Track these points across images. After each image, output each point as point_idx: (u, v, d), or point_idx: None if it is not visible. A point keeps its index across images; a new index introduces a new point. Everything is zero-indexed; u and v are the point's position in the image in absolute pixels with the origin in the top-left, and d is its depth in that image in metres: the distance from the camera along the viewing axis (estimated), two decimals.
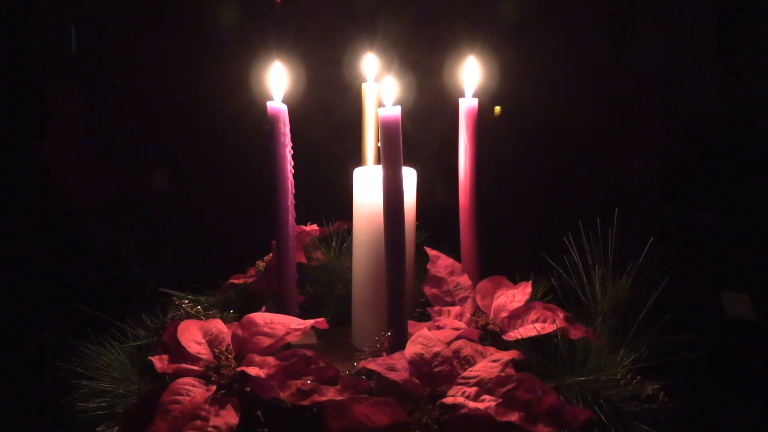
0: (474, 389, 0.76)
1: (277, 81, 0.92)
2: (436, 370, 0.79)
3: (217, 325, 0.87)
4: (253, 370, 0.78)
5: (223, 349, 0.83)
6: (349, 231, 1.04)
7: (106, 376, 0.90)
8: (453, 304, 0.99)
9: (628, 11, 1.82)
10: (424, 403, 0.76)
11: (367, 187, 0.97)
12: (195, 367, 0.81)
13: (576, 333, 0.90)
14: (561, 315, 0.93)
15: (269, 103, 0.90)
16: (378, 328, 0.87)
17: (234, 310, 1.02)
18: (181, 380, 0.78)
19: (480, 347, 0.85)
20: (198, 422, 0.74)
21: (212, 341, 0.85)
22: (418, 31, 1.71)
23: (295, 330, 0.84)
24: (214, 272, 1.13)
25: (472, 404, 0.75)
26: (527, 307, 0.96)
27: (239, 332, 0.85)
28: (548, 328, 0.91)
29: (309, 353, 0.79)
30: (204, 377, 0.80)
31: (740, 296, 1.68)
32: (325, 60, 1.64)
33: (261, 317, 0.86)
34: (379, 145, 0.85)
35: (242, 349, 0.83)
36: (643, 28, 1.82)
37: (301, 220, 1.04)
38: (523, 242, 1.61)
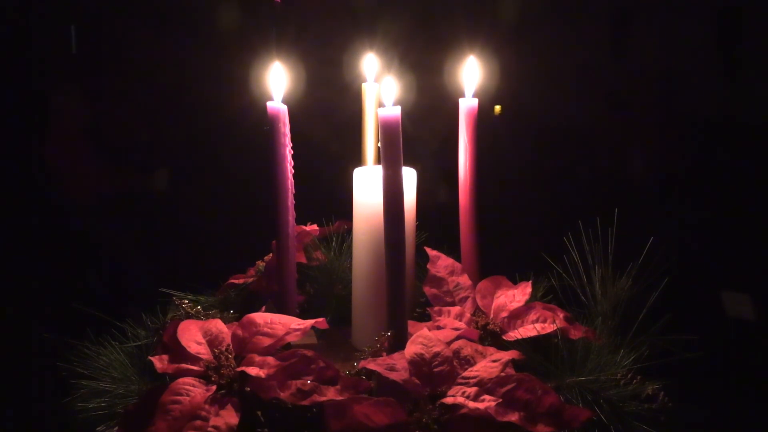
0: (474, 389, 0.76)
1: (277, 81, 0.92)
2: (436, 370, 0.79)
3: (217, 325, 0.87)
4: (253, 370, 0.78)
5: (223, 349, 0.83)
6: (349, 231, 1.04)
7: (106, 376, 0.90)
8: (453, 304, 0.99)
9: (628, 11, 1.82)
10: (424, 403, 0.76)
11: (367, 187, 0.97)
12: (195, 367, 0.81)
13: (576, 333, 0.91)
14: (561, 315, 0.93)
15: (269, 103, 0.90)
16: (378, 328, 0.87)
17: (234, 310, 1.02)
18: (181, 380, 0.78)
19: (480, 347, 0.85)
20: (198, 422, 0.74)
21: (212, 341, 0.85)
22: (418, 31, 1.71)
23: (295, 330, 0.85)
24: (214, 272, 1.13)
25: (472, 404, 0.75)
26: (527, 307, 0.96)
27: (239, 332, 0.85)
28: (548, 328, 0.91)
29: (309, 353, 0.79)
30: (204, 377, 0.80)
31: (740, 296, 1.68)
32: (325, 60, 1.63)
33: (261, 317, 0.86)
34: (379, 145, 0.85)
35: (242, 349, 0.83)
36: (643, 28, 1.82)
37: (301, 220, 1.04)
38: (523, 242, 1.61)
